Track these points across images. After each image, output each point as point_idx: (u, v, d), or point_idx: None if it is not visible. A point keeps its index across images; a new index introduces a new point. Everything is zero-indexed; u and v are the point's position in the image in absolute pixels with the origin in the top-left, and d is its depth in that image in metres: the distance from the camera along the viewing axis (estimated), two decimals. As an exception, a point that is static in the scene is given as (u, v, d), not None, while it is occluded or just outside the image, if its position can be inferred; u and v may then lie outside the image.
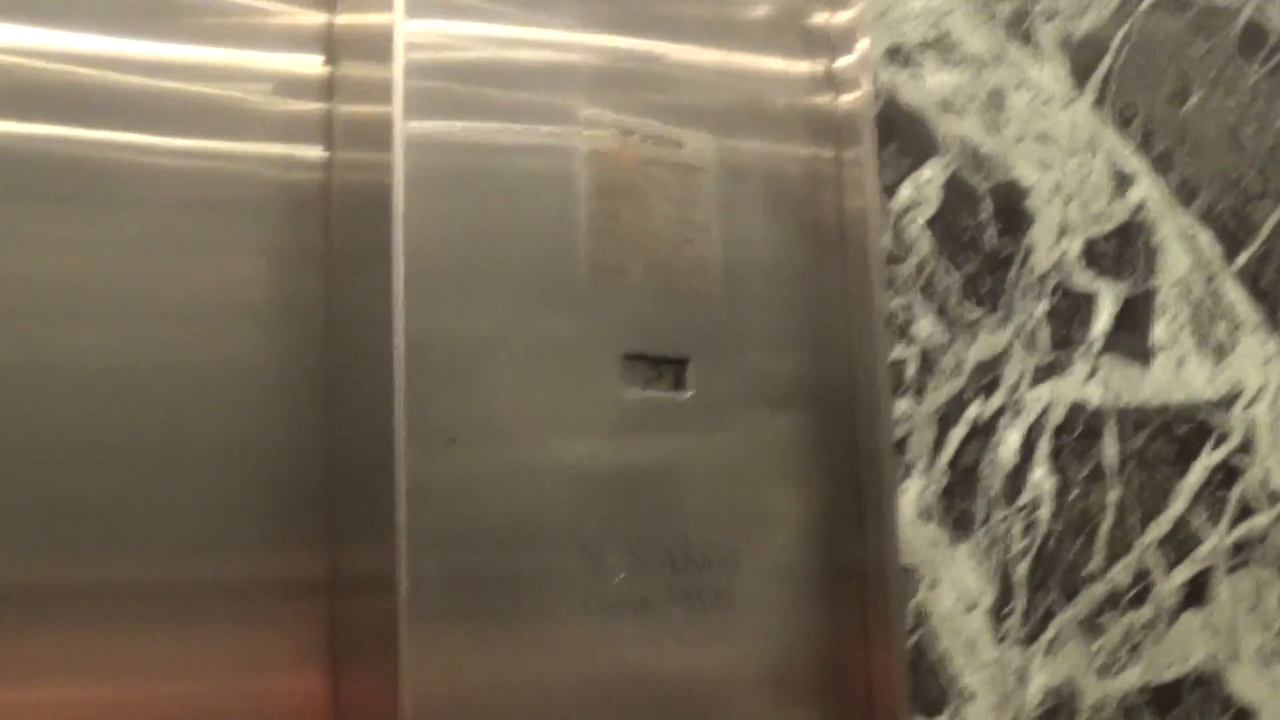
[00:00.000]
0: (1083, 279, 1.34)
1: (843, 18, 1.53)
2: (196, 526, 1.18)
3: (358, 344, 1.23)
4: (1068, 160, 1.35)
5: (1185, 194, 1.25)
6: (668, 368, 1.39)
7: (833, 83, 1.55)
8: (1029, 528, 1.37)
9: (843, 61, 1.53)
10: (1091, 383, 1.32)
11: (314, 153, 1.27)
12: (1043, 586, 1.35)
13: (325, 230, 1.26)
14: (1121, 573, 1.28)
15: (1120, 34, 1.29)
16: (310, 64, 1.28)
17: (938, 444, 1.50)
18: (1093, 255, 1.33)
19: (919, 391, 1.51)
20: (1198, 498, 1.24)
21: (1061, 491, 1.35)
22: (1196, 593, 1.24)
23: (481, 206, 1.27)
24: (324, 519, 1.22)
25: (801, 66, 1.53)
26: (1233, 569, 1.21)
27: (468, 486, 1.23)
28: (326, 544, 1.22)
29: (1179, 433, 1.25)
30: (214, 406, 1.20)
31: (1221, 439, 1.23)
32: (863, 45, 1.50)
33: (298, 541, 1.22)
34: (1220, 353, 1.23)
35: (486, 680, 1.23)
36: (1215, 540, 1.23)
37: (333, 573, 1.22)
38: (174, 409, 1.18)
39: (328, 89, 1.29)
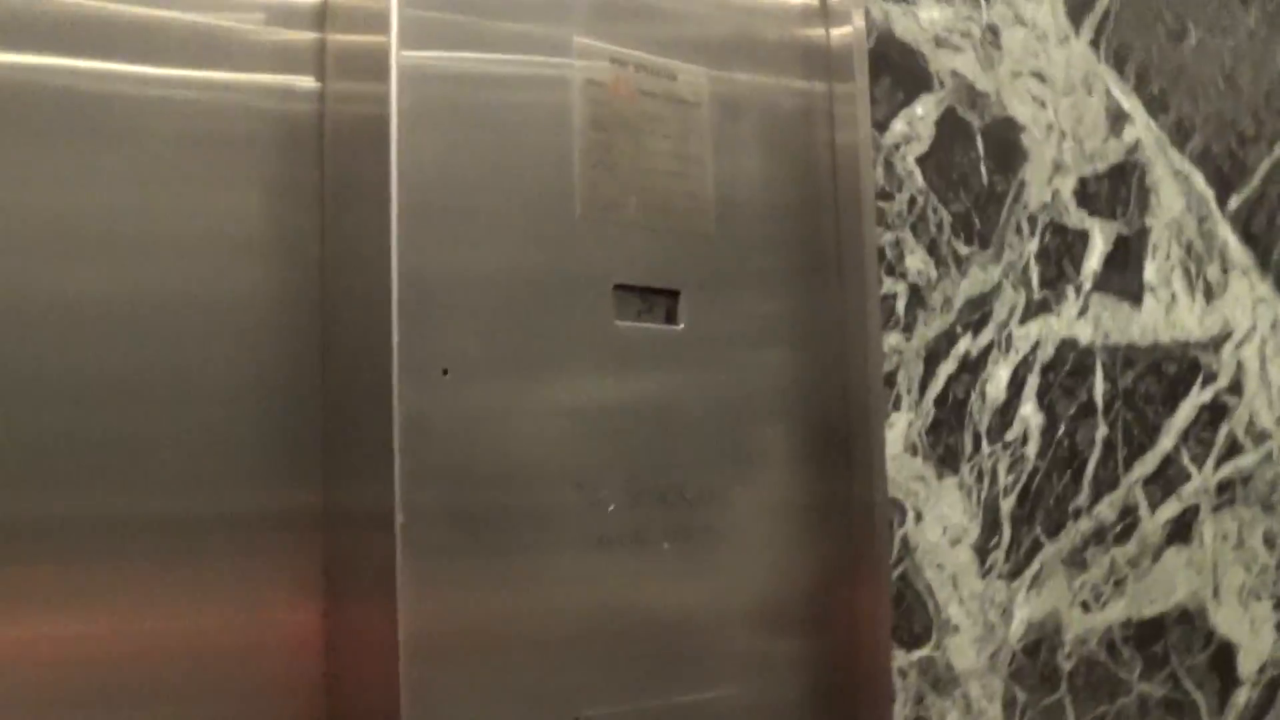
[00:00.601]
0: (1075, 218, 1.35)
1: (836, -51, 1.53)
2: (189, 461, 1.18)
3: (353, 277, 1.22)
4: (1062, 99, 1.37)
5: (1180, 135, 1.27)
6: (659, 300, 1.40)
7: (825, 15, 1.55)
8: (1016, 463, 1.40)
9: (836, -7, 1.53)
10: (1081, 321, 1.34)
11: (307, 83, 1.26)
12: (1029, 521, 1.39)
13: (319, 163, 1.26)
14: (1107, 509, 1.31)
15: (1119, -28, 1.31)
16: (303, -9, 1.27)
17: (926, 379, 1.52)
18: (1085, 194, 1.35)
19: (909, 327, 1.53)
20: (1185, 436, 1.27)
21: (1049, 428, 1.38)
22: (1181, 530, 1.27)
23: (477, 139, 1.24)
24: (319, 453, 1.24)
25: (794, -2, 1.53)
26: (1218, 508, 1.24)
27: (462, 418, 1.22)
28: (322, 478, 1.23)
29: (1168, 372, 1.28)
30: (207, 340, 1.19)
31: (1210, 379, 1.25)
32: (856, -24, 1.50)
33: (292, 476, 1.20)
34: (1210, 294, 1.25)
35: (482, 614, 1.23)
36: (1201, 479, 1.26)
37: (328, 507, 1.23)
38: (165, 343, 1.17)
39: (320, 18, 1.28)
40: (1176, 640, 1.23)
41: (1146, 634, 1.26)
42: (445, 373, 1.21)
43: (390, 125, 1.18)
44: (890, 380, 1.54)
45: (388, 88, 1.19)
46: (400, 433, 1.16)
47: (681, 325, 1.39)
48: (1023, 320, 1.41)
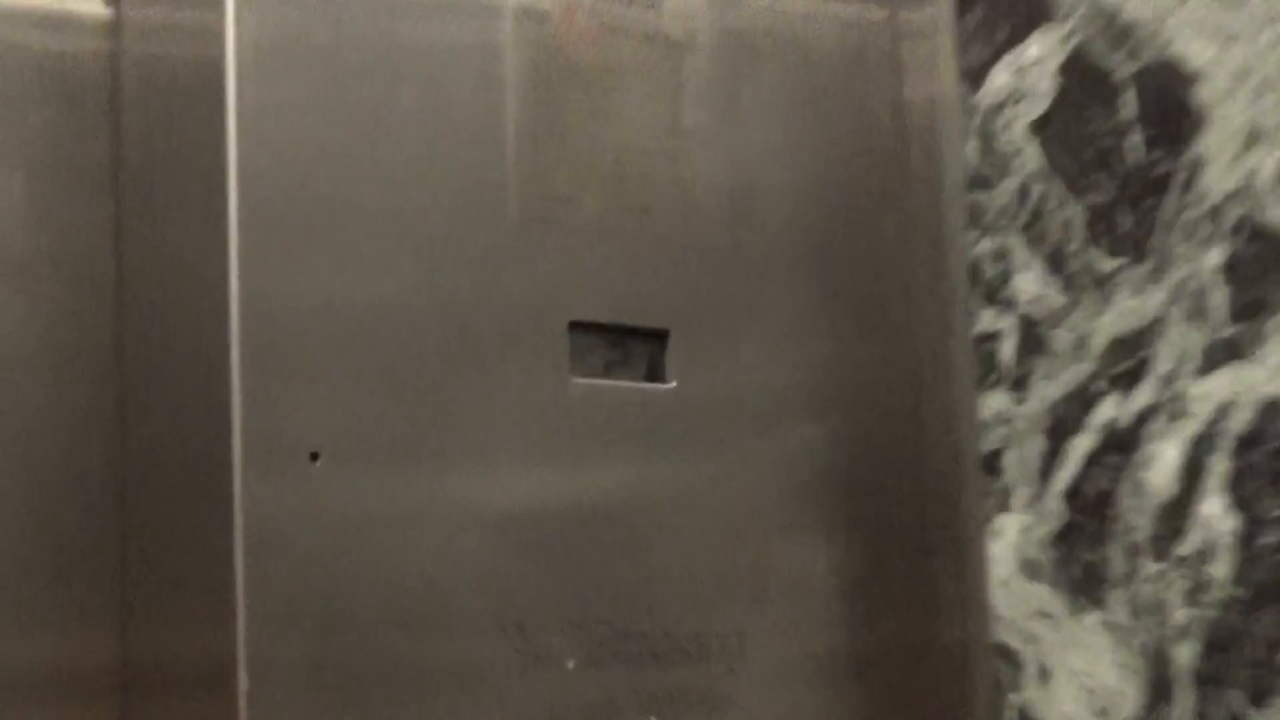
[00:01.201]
0: (1281, 214, 1.28)
1: None
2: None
3: (168, 309, 1.24)
4: (1264, 31, 1.31)
5: None
6: (638, 345, 1.38)
7: (890, -102, 1.43)
8: (1197, 591, 1.32)
9: None
10: (1294, 373, 1.27)
11: (92, 9, 1.30)
12: (1218, 681, 1.31)
13: (112, 133, 1.29)
14: (1345, 666, 1.24)
15: None
16: None
17: (1050, 463, 1.44)
18: (1299, 178, 1.27)
19: (1021, 383, 1.47)
20: None
21: (1249, 536, 1.25)
22: None
23: (358, 99, 1.24)
24: (115, 581, 1.26)
25: None
26: None
27: (340, 527, 1.20)
28: (119, 614, 1.26)
29: None
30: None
31: None
32: None
33: (70, 613, 1.26)
34: None
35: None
36: None
37: (128, 658, 1.25)
38: None
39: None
40: None
41: None
42: (314, 457, 1.18)
43: (226, 77, 1.17)
44: (993, 464, 1.48)
45: (221, 17, 1.18)
46: (245, 550, 1.13)
47: (672, 383, 1.40)
48: (1202, 371, 1.33)
